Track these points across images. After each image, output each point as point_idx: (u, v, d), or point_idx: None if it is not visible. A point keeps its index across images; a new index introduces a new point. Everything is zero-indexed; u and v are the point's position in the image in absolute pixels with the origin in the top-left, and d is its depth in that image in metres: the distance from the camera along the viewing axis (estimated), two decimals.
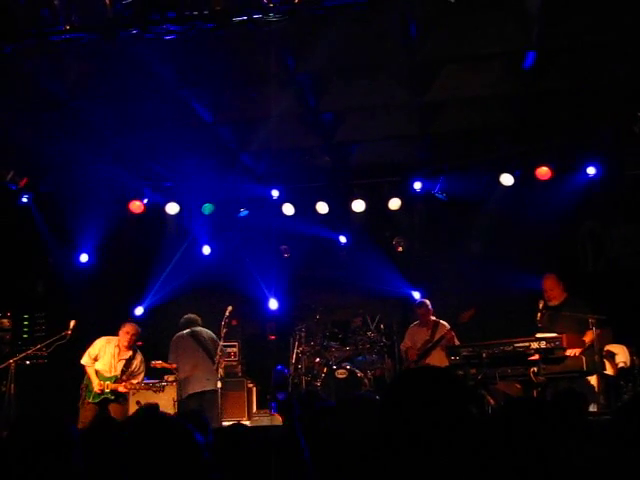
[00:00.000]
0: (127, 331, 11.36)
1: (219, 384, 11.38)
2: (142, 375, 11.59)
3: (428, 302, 12.09)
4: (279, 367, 12.75)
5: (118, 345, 11.39)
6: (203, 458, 2.82)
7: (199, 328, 12.30)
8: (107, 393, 11.12)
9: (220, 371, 11.49)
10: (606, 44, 9.19)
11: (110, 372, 11.20)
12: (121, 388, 11.19)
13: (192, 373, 11.99)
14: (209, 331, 12.27)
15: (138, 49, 8.32)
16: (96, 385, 11.09)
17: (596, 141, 11.93)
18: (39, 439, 2.96)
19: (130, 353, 11.44)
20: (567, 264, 12.71)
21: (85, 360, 11.28)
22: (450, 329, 11.62)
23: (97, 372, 11.18)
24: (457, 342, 11.42)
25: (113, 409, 11.14)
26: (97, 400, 11.10)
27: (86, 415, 10.98)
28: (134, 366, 11.44)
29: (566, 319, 10.17)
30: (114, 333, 11.46)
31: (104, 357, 11.28)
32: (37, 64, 8.89)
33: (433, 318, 12.00)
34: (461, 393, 2.59)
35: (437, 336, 11.72)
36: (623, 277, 12.37)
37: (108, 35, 6.92)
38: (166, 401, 11.77)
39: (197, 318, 12.49)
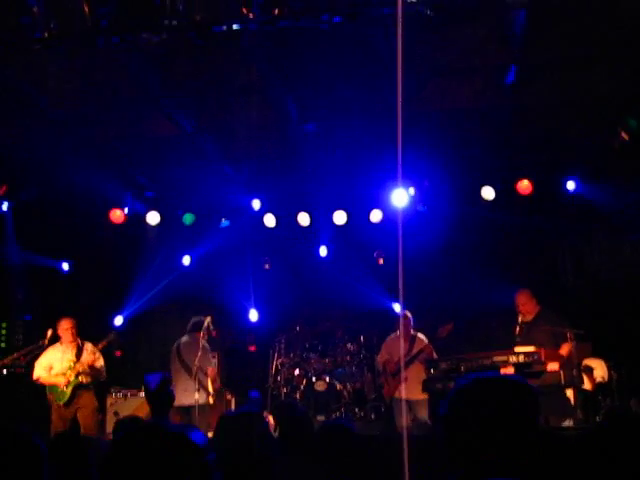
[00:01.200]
0: (65, 327, 11.24)
1: (197, 396, 11.01)
2: (101, 360, 11.39)
3: (409, 314, 12.07)
4: (253, 394, 12.56)
5: (62, 343, 11.28)
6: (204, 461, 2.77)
7: (185, 337, 12.00)
8: (74, 380, 10.96)
9: (207, 383, 11.42)
10: (588, 59, 9.23)
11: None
12: (82, 378, 11.03)
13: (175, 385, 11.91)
14: (196, 339, 11.69)
15: (119, 57, 8.30)
16: (62, 381, 10.95)
17: (576, 156, 11.98)
18: (3, 455, 2.90)
19: (77, 342, 11.33)
20: (547, 278, 12.76)
21: (37, 373, 11.13)
22: (428, 343, 11.60)
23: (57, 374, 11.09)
24: (435, 356, 11.40)
25: (84, 399, 11.04)
26: (68, 398, 10.93)
27: (59, 425, 10.86)
28: (88, 351, 11.28)
29: (541, 333, 10.19)
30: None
31: (57, 360, 11.16)
32: (18, 71, 8.86)
33: (412, 331, 11.97)
34: (533, 404, 2.54)
35: (415, 349, 11.67)
36: (603, 291, 12.42)
37: (87, 43, 6.90)
38: (144, 413, 11.70)
39: (193, 322, 11.96)
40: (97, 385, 11.47)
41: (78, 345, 11.32)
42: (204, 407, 11.23)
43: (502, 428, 2.42)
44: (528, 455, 2.41)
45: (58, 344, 11.31)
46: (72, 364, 11.05)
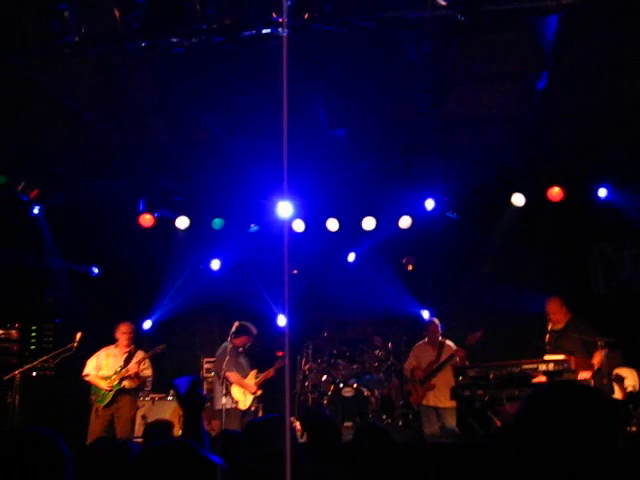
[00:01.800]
0: (124, 331, 11.55)
1: (223, 401, 11.33)
2: (149, 370, 11.64)
3: (437, 321, 12.00)
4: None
5: (117, 346, 11.54)
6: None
7: (224, 343, 12.08)
8: (117, 385, 11.18)
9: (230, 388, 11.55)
10: (620, 65, 9.15)
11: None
12: (126, 383, 11.23)
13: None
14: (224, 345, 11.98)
15: (150, 61, 8.32)
16: (105, 385, 11.15)
17: (608, 162, 11.88)
18: (25, 456, 2.90)
19: (131, 348, 11.57)
20: (578, 286, 12.65)
21: (87, 370, 11.34)
22: (460, 348, 11.51)
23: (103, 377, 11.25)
24: (467, 362, 11.33)
25: (123, 404, 11.22)
26: (108, 400, 11.11)
27: (96, 425, 11.05)
28: (137, 359, 11.49)
29: (572, 341, 10.08)
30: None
31: (107, 363, 11.38)
32: (49, 76, 8.91)
33: (440, 338, 11.90)
34: (614, 416, 2.49)
35: (443, 356, 11.62)
36: (634, 300, 12.30)
37: (117, 47, 6.93)
38: (173, 416, 11.73)
39: (234, 326, 12.04)
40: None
41: (130, 351, 11.56)
42: (232, 411, 11.40)
43: (581, 436, 2.38)
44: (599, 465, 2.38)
45: (112, 347, 11.59)
46: (119, 369, 11.28)
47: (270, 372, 12.11)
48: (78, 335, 11.33)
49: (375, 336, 13.59)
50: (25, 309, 13.62)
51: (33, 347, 13.39)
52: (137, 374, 11.34)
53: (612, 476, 2.39)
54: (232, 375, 11.67)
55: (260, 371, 12.15)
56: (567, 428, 2.38)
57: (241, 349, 12.00)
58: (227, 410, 11.32)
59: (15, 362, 12.63)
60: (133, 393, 11.53)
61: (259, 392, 11.80)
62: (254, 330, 12.18)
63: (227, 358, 11.47)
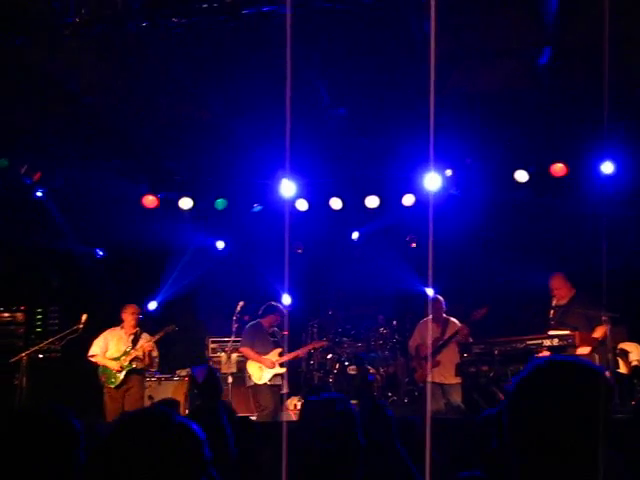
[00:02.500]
0: (131, 312, 11.62)
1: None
2: (155, 351, 11.72)
3: (441, 298, 12.01)
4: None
5: (123, 327, 11.62)
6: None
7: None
8: (127, 366, 11.30)
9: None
10: (622, 40, 9.11)
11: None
12: (135, 364, 11.37)
13: None
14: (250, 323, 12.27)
15: (152, 41, 8.30)
16: (115, 366, 11.24)
17: (612, 138, 11.84)
18: (38, 434, 2.91)
19: (137, 330, 11.66)
20: (582, 261, 12.65)
21: (94, 350, 11.41)
22: (465, 325, 11.54)
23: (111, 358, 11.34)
24: (471, 339, 11.35)
25: (134, 383, 11.42)
26: (120, 382, 11.24)
27: (112, 407, 11.20)
28: (144, 339, 11.59)
29: (576, 316, 10.10)
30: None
31: (113, 344, 11.45)
32: (50, 57, 8.89)
33: (444, 315, 11.92)
34: (604, 389, 2.46)
35: (448, 333, 11.64)
36: (638, 275, 12.30)
37: (117, 27, 6.92)
38: (178, 396, 11.79)
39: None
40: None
41: (137, 332, 11.63)
42: (254, 388, 11.75)
43: (573, 414, 2.37)
44: (593, 443, 2.36)
45: (118, 328, 11.66)
46: (128, 349, 11.37)
47: (298, 352, 12.24)
48: (84, 317, 11.39)
49: (379, 314, 13.62)
50: (31, 292, 13.65)
51: (39, 330, 13.43)
52: (146, 354, 11.40)
53: (606, 449, 2.38)
54: (245, 350, 11.89)
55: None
56: (556, 404, 2.37)
57: (269, 328, 12.05)
58: (255, 386, 11.72)
59: (21, 345, 12.66)
60: (142, 373, 11.66)
61: (279, 368, 11.79)
62: (282, 309, 12.28)
63: (244, 335, 11.95)
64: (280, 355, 11.83)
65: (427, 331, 11.92)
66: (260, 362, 11.72)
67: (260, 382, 11.69)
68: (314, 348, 12.53)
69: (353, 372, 12.82)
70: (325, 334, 13.34)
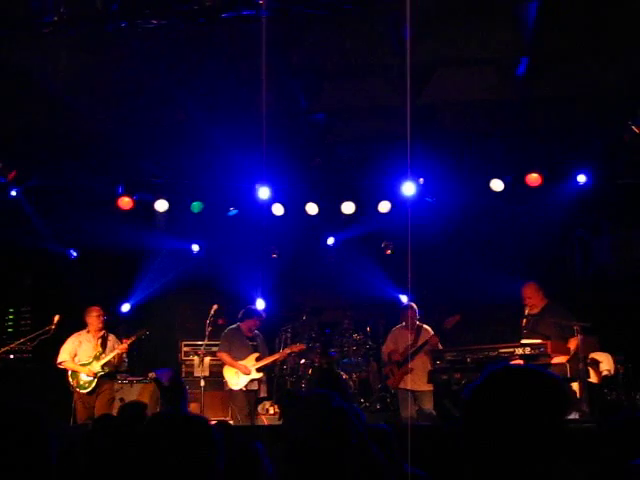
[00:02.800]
0: (96, 315, 11.48)
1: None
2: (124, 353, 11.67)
3: (415, 305, 12.03)
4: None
5: (89, 331, 11.49)
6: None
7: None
8: (100, 371, 11.21)
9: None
10: (598, 51, 9.20)
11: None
12: (106, 368, 11.26)
13: None
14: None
15: (129, 42, 8.29)
16: (86, 372, 11.16)
17: (587, 149, 11.93)
18: (9, 433, 2.90)
19: (103, 332, 11.54)
20: (555, 271, 12.74)
21: (62, 357, 11.30)
22: (434, 334, 11.59)
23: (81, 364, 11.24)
24: (441, 347, 11.39)
25: (104, 387, 11.31)
26: (93, 387, 11.15)
27: (83, 411, 11.14)
28: (112, 342, 11.52)
29: (548, 325, 10.17)
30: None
31: (82, 349, 11.35)
32: (29, 56, 8.86)
33: (418, 322, 11.96)
34: (560, 399, 2.46)
35: (421, 340, 11.67)
36: (610, 285, 12.39)
37: (96, 27, 6.90)
38: (148, 399, 11.73)
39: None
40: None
41: (104, 335, 11.53)
42: (230, 393, 11.85)
43: (527, 420, 2.38)
44: (548, 449, 2.37)
45: (84, 332, 11.52)
46: (98, 354, 11.29)
47: (276, 356, 12.23)
48: (56, 318, 11.30)
49: (352, 320, 13.64)
50: (2, 292, 13.55)
51: (10, 330, 13.34)
52: (115, 357, 11.32)
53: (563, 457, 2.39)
54: (222, 355, 11.91)
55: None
56: (515, 411, 2.39)
57: (248, 332, 12.02)
58: (230, 391, 11.79)
59: None
60: (113, 376, 11.56)
61: (255, 374, 11.76)
62: (261, 312, 12.34)
63: (222, 340, 11.96)
64: (257, 360, 11.80)
65: (400, 338, 11.95)
66: (236, 368, 11.70)
67: (236, 388, 11.68)
68: (291, 352, 12.49)
69: None
70: (299, 339, 13.32)
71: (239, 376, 11.69)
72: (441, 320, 11.71)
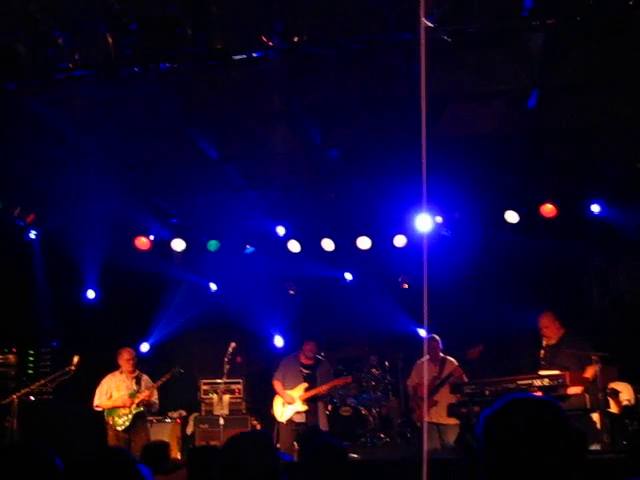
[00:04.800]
0: (127, 358, 11.57)
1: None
2: (156, 392, 11.64)
3: (438, 337, 12.01)
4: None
5: (122, 372, 11.57)
6: None
7: None
8: (136, 408, 11.25)
9: None
10: (608, 83, 9.24)
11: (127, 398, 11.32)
12: (148, 394, 11.33)
13: None
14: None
15: (143, 85, 8.41)
16: (125, 409, 11.23)
17: (601, 178, 11.95)
18: (19, 470, 2.94)
19: (137, 372, 11.62)
20: (573, 301, 12.71)
21: (98, 400, 11.39)
22: (459, 366, 11.56)
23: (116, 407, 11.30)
24: (466, 379, 11.35)
25: (140, 429, 11.36)
26: (129, 424, 11.20)
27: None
28: (145, 382, 11.58)
29: (566, 356, 10.11)
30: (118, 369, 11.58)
31: (117, 390, 11.40)
32: (43, 101, 9.00)
33: (441, 354, 11.94)
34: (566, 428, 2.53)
35: (445, 372, 11.63)
36: (628, 315, 12.34)
37: (110, 73, 7.02)
38: (170, 439, 11.76)
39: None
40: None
41: (137, 376, 11.62)
42: (277, 425, 11.94)
43: (537, 447, 2.42)
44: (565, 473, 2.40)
45: (117, 373, 11.62)
46: (134, 392, 11.35)
47: (321, 389, 11.94)
48: (76, 359, 11.32)
49: (371, 355, 13.63)
50: (22, 333, 13.62)
51: (31, 371, 13.38)
52: (149, 397, 11.39)
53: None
54: (274, 383, 12.05)
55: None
56: (523, 440, 2.43)
57: (305, 359, 12.06)
58: (278, 423, 11.89)
59: (13, 386, 12.59)
60: (145, 416, 11.59)
61: (300, 405, 11.72)
62: (316, 336, 12.43)
63: (279, 367, 12.14)
64: (306, 391, 11.77)
65: (424, 371, 11.92)
66: (282, 397, 11.83)
67: (280, 419, 11.79)
68: (337, 385, 12.40)
69: (346, 413, 12.78)
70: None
71: (285, 407, 11.76)
72: (460, 353, 11.68)
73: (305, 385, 11.81)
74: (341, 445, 5.09)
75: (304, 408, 11.73)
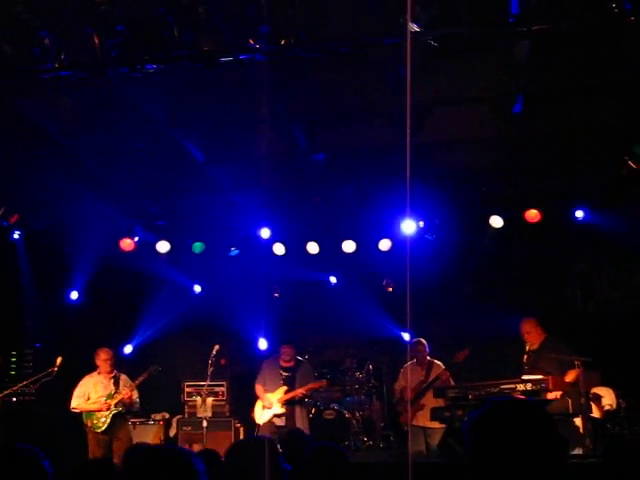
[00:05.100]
0: (104, 358, 11.45)
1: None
2: (136, 392, 11.55)
3: (424, 341, 12.03)
4: None
5: (100, 373, 11.47)
6: None
7: None
8: (114, 409, 11.14)
9: None
10: (594, 87, 9.29)
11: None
12: (120, 407, 11.20)
13: None
14: None
15: (130, 87, 8.40)
16: (98, 410, 11.13)
17: (585, 184, 12.01)
18: (7, 471, 2.94)
19: (114, 372, 11.53)
20: (556, 306, 12.77)
21: (75, 402, 11.28)
22: (445, 369, 11.59)
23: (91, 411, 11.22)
24: (452, 382, 11.38)
25: (120, 429, 11.28)
26: (107, 426, 11.08)
27: (98, 452, 11.06)
28: (123, 382, 11.49)
29: (547, 361, 10.17)
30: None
31: (94, 391, 11.32)
32: (29, 101, 8.98)
33: (428, 358, 11.96)
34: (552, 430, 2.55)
35: (432, 376, 11.64)
36: (611, 320, 12.42)
37: (96, 73, 7.02)
38: (153, 441, 11.74)
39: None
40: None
41: (115, 376, 11.53)
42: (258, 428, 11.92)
43: (523, 448, 2.45)
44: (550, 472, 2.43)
45: (95, 374, 11.53)
46: (112, 393, 11.27)
47: (298, 392, 11.90)
48: (58, 360, 11.29)
49: (346, 358, 13.63)
50: (5, 334, 13.56)
51: (13, 372, 13.33)
52: (129, 397, 11.29)
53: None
54: (257, 387, 12.09)
55: None
56: (509, 442, 2.46)
57: (284, 362, 12.14)
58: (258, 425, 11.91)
59: None
60: (125, 417, 11.55)
61: (279, 408, 11.79)
62: (290, 341, 12.38)
63: (260, 372, 12.16)
64: (285, 393, 11.84)
65: (411, 374, 11.92)
66: (262, 401, 11.92)
67: (259, 422, 11.86)
68: (312, 388, 12.28)
69: (330, 417, 12.78)
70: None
71: (264, 410, 11.85)
72: (444, 357, 11.72)
73: (284, 388, 11.87)
74: (340, 448, 5.13)
75: (282, 411, 11.81)
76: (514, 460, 2.43)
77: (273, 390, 11.87)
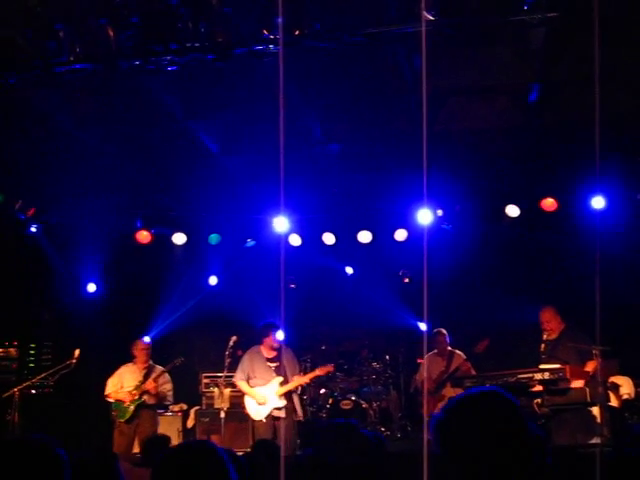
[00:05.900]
0: (141, 347, 11.59)
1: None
2: (168, 384, 11.63)
3: (445, 331, 12.02)
4: None
5: (135, 363, 11.58)
6: None
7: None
8: (137, 400, 11.21)
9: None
10: (610, 76, 9.22)
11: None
12: (145, 398, 11.27)
13: None
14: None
15: (144, 80, 8.41)
16: (126, 398, 11.20)
17: (602, 172, 11.93)
18: (23, 462, 2.94)
19: (149, 364, 11.63)
20: (574, 295, 12.71)
21: (109, 389, 11.38)
22: (466, 360, 11.58)
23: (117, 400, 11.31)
24: (473, 372, 11.36)
25: (145, 419, 11.31)
26: (130, 416, 11.15)
27: (120, 441, 11.13)
28: (156, 373, 11.51)
29: (566, 350, 10.12)
30: (121, 362, 11.65)
31: (127, 380, 11.43)
32: (44, 95, 9.00)
33: (449, 348, 11.95)
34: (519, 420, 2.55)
35: (453, 366, 11.65)
36: (630, 309, 12.34)
37: (110, 66, 7.02)
38: (171, 432, 11.76)
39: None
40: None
41: (149, 366, 11.61)
42: (253, 424, 11.54)
43: (490, 440, 2.45)
44: (517, 464, 2.44)
45: (131, 364, 11.63)
46: (139, 383, 11.32)
47: (302, 380, 11.61)
48: (77, 352, 11.37)
49: (363, 348, 13.64)
50: (24, 327, 13.64)
51: (32, 365, 13.40)
52: (156, 387, 11.33)
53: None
54: (240, 385, 11.43)
55: None
56: (476, 434, 2.46)
57: (269, 351, 11.50)
58: (253, 422, 11.44)
59: (14, 380, 12.62)
60: (154, 408, 11.59)
61: (278, 401, 11.13)
62: (277, 324, 11.60)
63: (239, 366, 11.53)
64: (281, 384, 11.16)
65: (433, 365, 11.92)
66: (253, 397, 11.20)
67: (257, 418, 11.20)
68: (319, 375, 11.89)
69: (347, 407, 12.80)
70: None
71: (259, 405, 11.17)
72: (465, 346, 11.72)
73: (279, 379, 11.19)
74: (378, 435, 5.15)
75: (283, 403, 11.14)
76: (479, 455, 2.44)
77: (264, 384, 11.22)
